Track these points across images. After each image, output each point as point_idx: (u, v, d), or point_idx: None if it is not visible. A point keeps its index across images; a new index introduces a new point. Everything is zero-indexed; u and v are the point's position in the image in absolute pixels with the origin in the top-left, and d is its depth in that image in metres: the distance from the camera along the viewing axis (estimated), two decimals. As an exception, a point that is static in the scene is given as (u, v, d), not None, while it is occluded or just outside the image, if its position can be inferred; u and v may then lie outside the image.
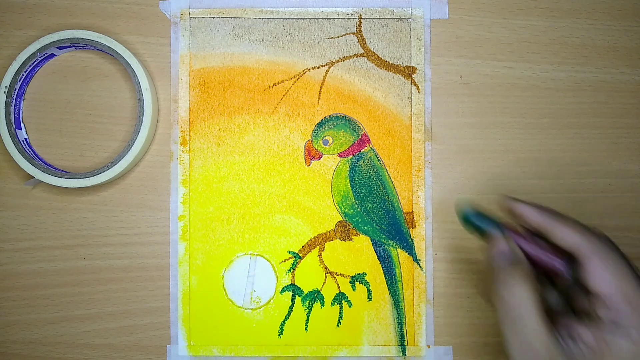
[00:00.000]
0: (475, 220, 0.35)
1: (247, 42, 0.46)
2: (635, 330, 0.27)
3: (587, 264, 0.30)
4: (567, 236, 0.31)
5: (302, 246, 0.45)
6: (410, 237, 0.45)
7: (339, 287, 0.45)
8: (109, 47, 0.44)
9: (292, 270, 0.45)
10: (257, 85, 0.46)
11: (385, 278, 0.45)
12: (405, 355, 0.45)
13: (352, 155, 0.45)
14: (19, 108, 0.45)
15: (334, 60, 0.46)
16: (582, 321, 0.30)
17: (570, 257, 0.32)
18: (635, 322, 0.27)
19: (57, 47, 0.44)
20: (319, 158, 0.45)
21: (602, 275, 0.29)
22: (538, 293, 0.30)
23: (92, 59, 0.46)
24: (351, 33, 0.46)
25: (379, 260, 0.45)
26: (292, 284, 0.45)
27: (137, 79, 0.44)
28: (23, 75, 0.44)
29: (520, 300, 0.30)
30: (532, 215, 0.33)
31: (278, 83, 0.46)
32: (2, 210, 0.45)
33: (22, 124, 0.45)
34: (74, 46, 0.45)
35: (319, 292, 0.45)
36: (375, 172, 0.45)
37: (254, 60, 0.46)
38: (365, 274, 0.45)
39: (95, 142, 0.45)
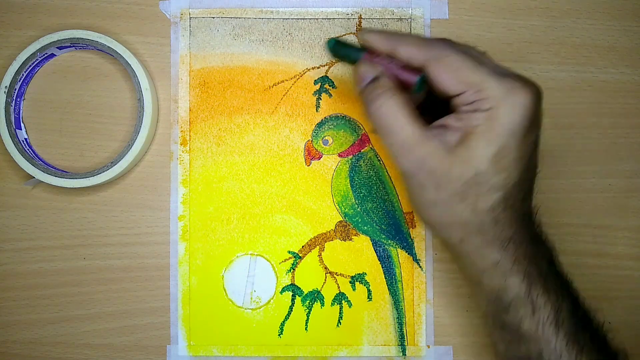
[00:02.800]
0: (340, 48, 0.37)
1: (247, 42, 0.46)
2: (485, 104, 0.31)
3: (430, 72, 0.33)
4: (408, 52, 0.34)
5: (302, 246, 0.45)
6: (410, 237, 0.45)
7: (339, 287, 0.45)
8: (109, 47, 0.44)
9: (292, 270, 0.45)
10: (257, 85, 0.46)
11: (385, 278, 0.45)
12: (405, 355, 0.45)
13: (352, 155, 0.45)
14: (19, 108, 0.45)
15: (334, 61, 0.46)
16: (448, 115, 0.33)
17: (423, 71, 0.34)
18: (484, 100, 0.31)
19: (57, 47, 0.44)
20: (319, 158, 0.45)
21: (443, 72, 0.32)
22: (403, 100, 0.33)
23: (92, 59, 0.46)
24: (351, 33, 0.46)
25: (379, 260, 0.45)
26: (292, 284, 0.45)
27: (137, 79, 0.44)
28: (23, 75, 0.44)
29: (387, 108, 0.33)
30: (379, 41, 0.35)
31: (278, 83, 0.46)
32: (2, 210, 0.45)
33: (22, 124, 0.45)
34: (74, 46, 0.45)
35: (319, 292, 0.45)
36: (375, 172, 0.45)
37: (254, 60, 0.46)
38: (365, 274, 0.45)
39: (95, 142, 0.45)
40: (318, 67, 0.46)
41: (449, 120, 0.33)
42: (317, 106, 0.45)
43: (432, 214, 0.34)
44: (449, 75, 0.32)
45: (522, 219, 0.34)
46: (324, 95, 0.45)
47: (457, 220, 0.33)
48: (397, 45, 0.34)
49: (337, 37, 0.39)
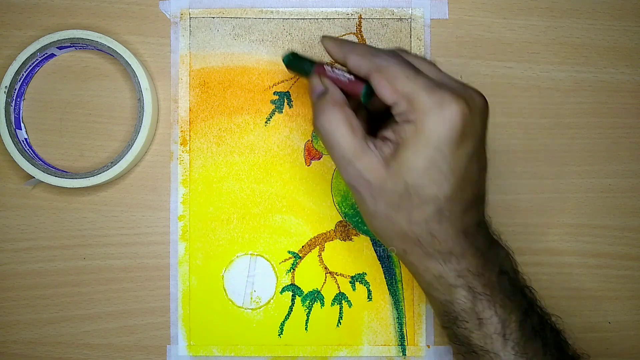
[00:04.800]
0: (294, 62, 0.38)
1: (247, 42, 0.46)
2: (414, 116, 0.32)
3: (372, 81, 0.33)
4: (356, 61, 0.34)
5: (302, 246, 0.45)
6: (410, 237, 0.45)
7: (339, 287, 0.45)
8: (109, 47, 0.44)
9: (292, 270, 0.45)
10: (257, 85, 0.46)
11: (385, 278, 0.45)
12: (405, 355, 0.45)
13: (352, 155, 0.45)
14: (19, 108, 0.45)
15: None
16: (387, 127, 0.34)
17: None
18: (414, 112, 0.32)
19: (57, 47, 0.44)
20: (319, 158, 0.45)
21: (384, 86, 0.33)
22: (346, 114, 0.34)
23: (92, 59, 0.46)
24: (351, 33, 0.46)
25: (379, 260, 0.45)
26: (292, 284, 0.45)
27: (137, 79, 0.44)
28: (23, 75, 0.44)
29: (330, 121, 0.34)
30: (333, 49, 0.36)
31: (278, 83, 0.46)
32: (2, 210, 0.45)
33: (22, 124, 0.45)
34: (74, 46, 0.45)
35: (319, 292, 0.45)
36: (375, 172, 0.45)
37: (254, 60, 0.46)
38: (365, 274, 0.45)
39: (95, 142, 0.45)
40: (318, 67, 0.46)
41: (386, 132, 0.33)
42: None
43: (374, 225, 0.35)
44: (386, 85, 0.33)
45: (464, 233, 0.33)
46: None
47: (397, 231, 0.34)
48: (347, 54, 0.35)
49: (292, 52, 0.39)
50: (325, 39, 0.37)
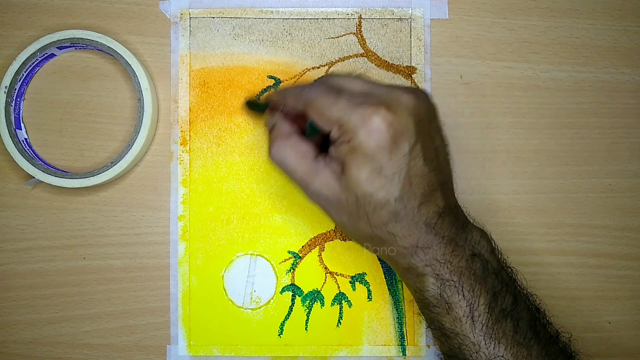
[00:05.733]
0: (251, 105, 0.43)
1: (247, 42, 0.46)
2: (346, 137, 0.34)
3: (309, 116, 0.36)
4: (292, 104, 0.37)
5: (302, 246, 0.45)
6: (410, 237, 0.45)
7: (339, 287, 0.45)
8: (109, 47, 0.44)
9: (292, 270, 0.45)
10: (257, 85, 0.46)
11: (385, 278, 0.45)
12: (405, 355, 0.45)
13: (352, 155, 0.45)
14: (19, 108, 0.45)
15: (334, 60, 0.46)
16: (332, 145, 0.36)
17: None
18: (345, 133, 0.34)
19: (57, 47, 0.44)
20: (319, 158, 0.45)
21: (313, 115, 0.35)
22: (294, 141, 0.37)
23: (92, 59, 0.46)
24: (351, 33, 0.46)
25: (379, 260, 0.45)
26: (292, 284, 0.45)
27: (137, 79, 0.44)
28: (23, 75, 0.44)
29: (281, 151, 0.37)
30: (275, 97, 0.40)
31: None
32: (2, 210, 0.45)
33: (22, 124, 0.45)
34: (74, 46, 0.45)
35: (319, 292, 0.45)
36: (375, 172, 0.45)
37: (254, 60, 0.46)
38: (365, 274, 0.45)
39: (95, 142, 0.45)
40: (318, 67, 0.46)
41: (332, 150, 0.36)
42: None
43: (345, 232, 0.38)
44: (317, 117, 0.35)
45: (426, 225, 0.35)
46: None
47: (364, 236, 0.36)
48: (285, 99, 0.38)
49: (249, 97, 0.45)
50: (269, 93, 0.41)
